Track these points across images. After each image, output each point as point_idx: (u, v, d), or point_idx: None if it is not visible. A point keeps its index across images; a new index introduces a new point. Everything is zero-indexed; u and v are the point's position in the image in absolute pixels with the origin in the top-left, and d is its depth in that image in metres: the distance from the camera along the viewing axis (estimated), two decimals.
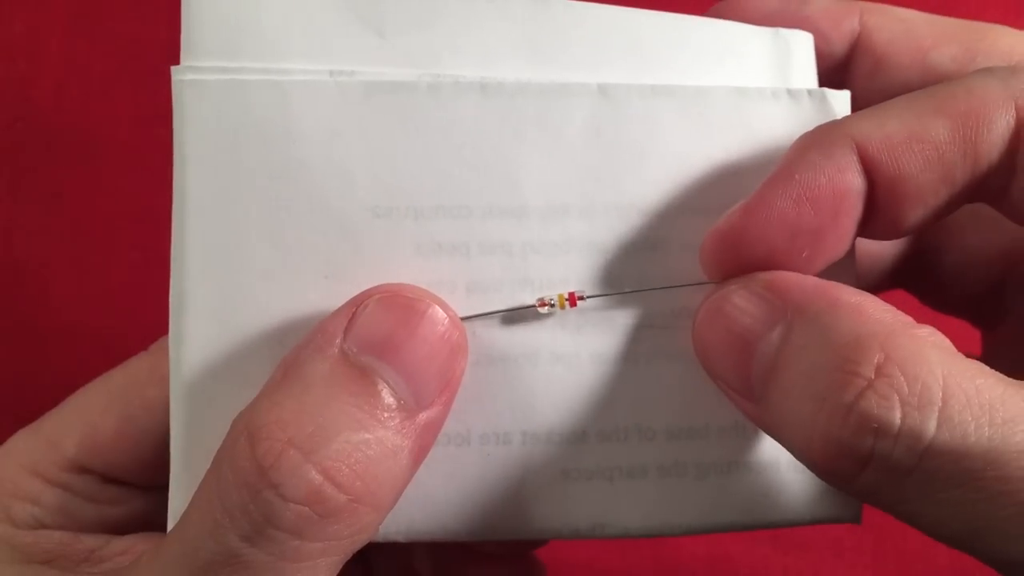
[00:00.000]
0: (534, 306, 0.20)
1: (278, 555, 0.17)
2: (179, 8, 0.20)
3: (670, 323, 0.21)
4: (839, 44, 0.24)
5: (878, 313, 0.17)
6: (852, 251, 0.21)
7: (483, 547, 0.28)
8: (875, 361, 0.16)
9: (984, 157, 0.18)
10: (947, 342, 0.17)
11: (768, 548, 0.37)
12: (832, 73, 0.25)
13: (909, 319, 0.17)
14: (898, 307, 0.18)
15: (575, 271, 0.21)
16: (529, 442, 0.21)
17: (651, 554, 0.37)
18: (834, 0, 0.25)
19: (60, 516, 0.23)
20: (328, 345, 0.18)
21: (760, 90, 0.21)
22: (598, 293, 0.21)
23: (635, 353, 0.21)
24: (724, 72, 0.21)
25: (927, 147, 0.18)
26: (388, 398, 0.18)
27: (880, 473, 0.16)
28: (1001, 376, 0.17)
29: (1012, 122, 0.18)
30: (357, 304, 0.19)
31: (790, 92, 0.21)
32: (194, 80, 0.20)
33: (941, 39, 0.24)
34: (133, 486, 0.24)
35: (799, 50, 0.22)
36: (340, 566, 0.18)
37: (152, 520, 0.24)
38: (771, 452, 0.21)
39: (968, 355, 0.17)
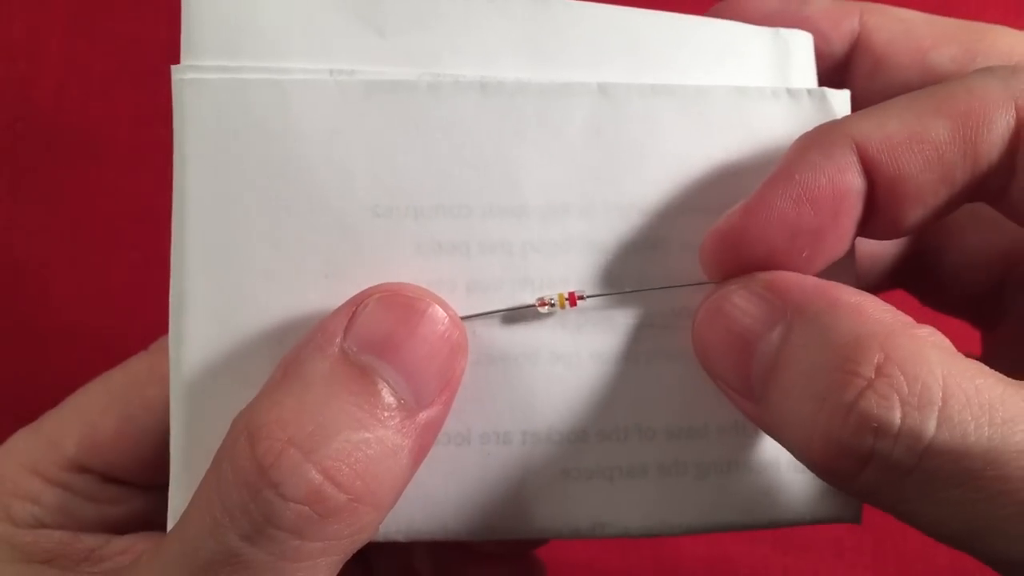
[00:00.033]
0: (534, 305, 0.20)
1: (278, 554, 0.17)
2: (179, 8, 0.20)
3: (670, 323, 0.21)
4: (839, 44, 0.24)
5: (878, 313, 0.17)
6: (852, 251, 0.21)
7: (483, 547, 0.28)
8: (875, 361, 0.16)
9: (984, 157, 0.18)
10: (947, 342, 0.17)
11: (768, 548, 0.37)
12: (832, 73, 0.25)
13: (909, 319, 0.17)
14: (898, 307, 0.18)
15: (575, 270, 0.21)
16: (529, 442, 0.20)
17: (651, 554, 0.37)
18: (834, 0, 0.25)
19: (60, 515, 0.23)
20: (328, 344, 0.18)
21: (760, 90, 0.21)
22: (598, 293, 0.21)
23: (635, 353, 0.21)
24: (724, 72, 0.21)
25: (927, 147, 0.18)
26: (388, 397, 0.18)
27: (880, 473, 0.16)
28: (1001, 376, 0.17)
29: (1012, 122, 0.18)
30: (357, 303, 0.19)
31: (790, 92, 0.21)
32: (194, 79, 0.20)
33: (941, 39, 0.24)
34: (133, 485, 0.24)
35: (799, 50, 0.22)
36: (340, 566, 0.18)
37: (152, 520, 0.24)
38: (771, 452, 0.21)
39: (968, 355, 0.17)
